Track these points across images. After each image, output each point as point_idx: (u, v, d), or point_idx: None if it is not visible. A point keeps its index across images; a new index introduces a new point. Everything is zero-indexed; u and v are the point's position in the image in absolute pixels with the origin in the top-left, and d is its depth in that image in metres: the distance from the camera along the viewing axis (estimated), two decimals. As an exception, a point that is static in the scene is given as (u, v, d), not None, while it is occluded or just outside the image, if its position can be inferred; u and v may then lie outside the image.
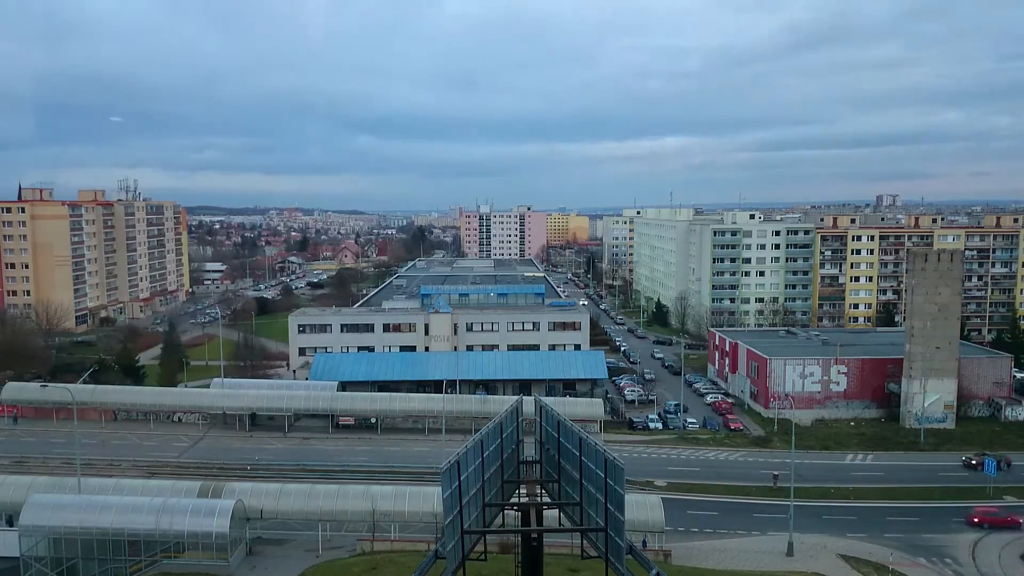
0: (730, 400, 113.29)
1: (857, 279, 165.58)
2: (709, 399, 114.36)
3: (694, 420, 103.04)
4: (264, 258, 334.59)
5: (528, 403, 52.38)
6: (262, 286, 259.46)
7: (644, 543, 59.95)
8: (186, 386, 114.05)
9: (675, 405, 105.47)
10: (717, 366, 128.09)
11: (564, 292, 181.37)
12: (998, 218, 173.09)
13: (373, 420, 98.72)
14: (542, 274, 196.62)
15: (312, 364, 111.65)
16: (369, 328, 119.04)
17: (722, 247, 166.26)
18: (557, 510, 41.64)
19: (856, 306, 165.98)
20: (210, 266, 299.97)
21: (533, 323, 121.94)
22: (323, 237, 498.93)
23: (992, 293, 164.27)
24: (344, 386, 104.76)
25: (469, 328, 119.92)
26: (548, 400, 58.18)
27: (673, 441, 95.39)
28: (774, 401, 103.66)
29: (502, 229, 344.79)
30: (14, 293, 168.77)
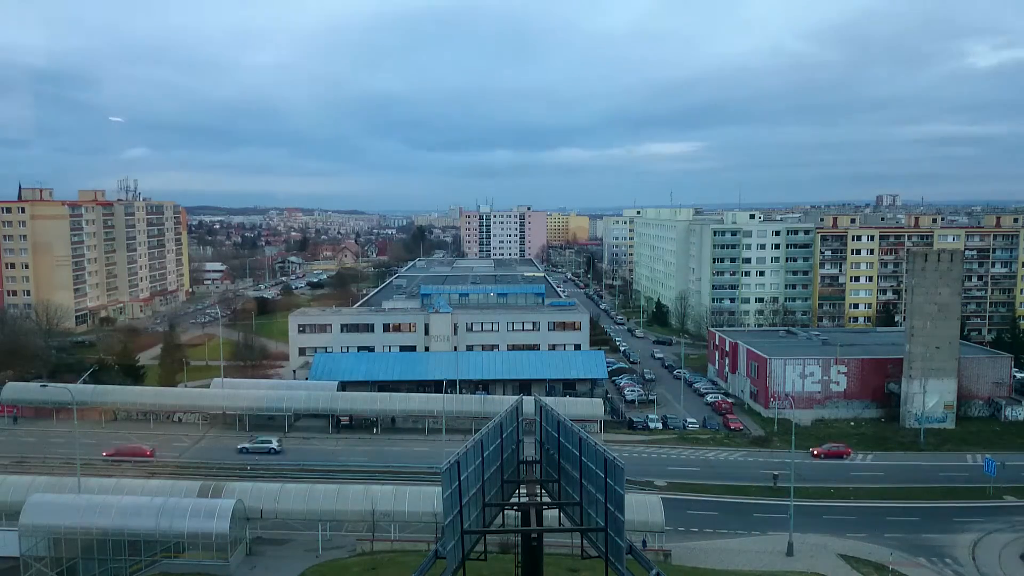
0: (730, 400, 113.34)
1: (857, 279, 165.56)
2: (709, 399, 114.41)
3: (694, 420, 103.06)
4: (264, 258, 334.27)
5: (528, 403, 52.39)
6: (262, 286, 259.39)
7: (644, 543, 59.95)
8: (186, 386, 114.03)
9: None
10: (717, 366, 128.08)
11: (564, 292, 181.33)
12: (998, 218, 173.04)
13: (373, 420, 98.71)
14: (542, 274, 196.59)
15: (312, 364, 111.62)
16: (369, 328, 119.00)
17: (722, 247, 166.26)
18: (557, 510, 41.63)
19: (856, 306, 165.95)
20: (210, 266, 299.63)
21: (533, 323, 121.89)
22: (323, 237, 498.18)
23: (992, 293, 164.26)
24: (344, 386, 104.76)
25: (469, 328, 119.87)
26: (548, 400, 58.17)
27: (673, 441, 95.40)
28: (774, 401, 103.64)
29: (502, 229, 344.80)
30: (14, 293, 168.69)
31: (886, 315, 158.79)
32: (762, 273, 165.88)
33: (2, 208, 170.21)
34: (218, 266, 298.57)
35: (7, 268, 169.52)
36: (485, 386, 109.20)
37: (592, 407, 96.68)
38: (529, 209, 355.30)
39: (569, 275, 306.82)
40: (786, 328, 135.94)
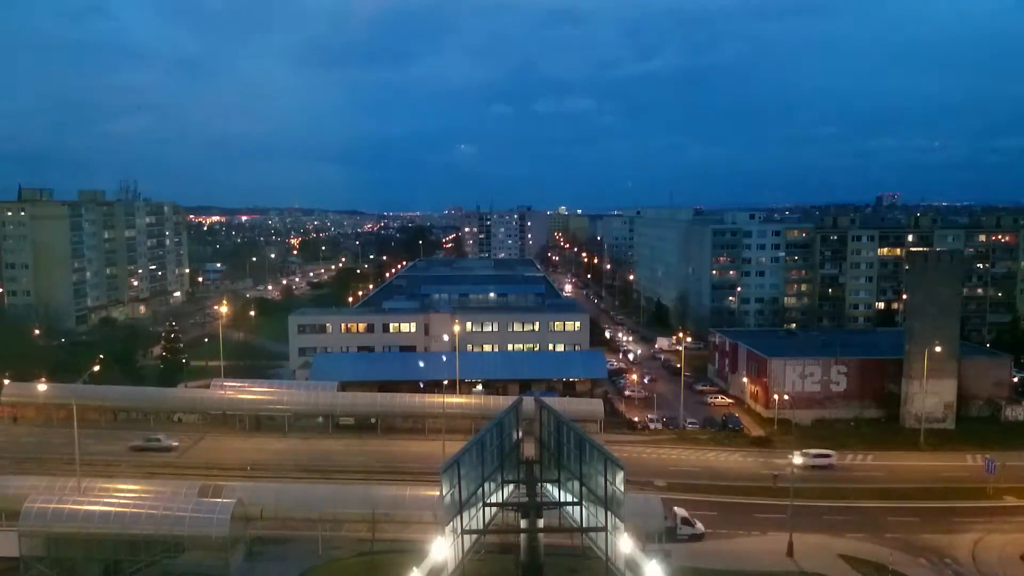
0: (730, 400, 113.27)
1: (857, 279, 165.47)
2: (709, 399, 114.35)
3: (694, 420, 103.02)
4: (264, 258, 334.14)
5: (528, 403, 52.47)
6: (262, 286, 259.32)
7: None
8: (186, 386, 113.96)
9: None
10: (717, 366, 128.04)
11: (563, 292, 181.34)
12: (998, 218, 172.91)
13: (373, 420, 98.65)
14: (542, 274, 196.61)
15: (312, 364, 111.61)
16: (369, 328, 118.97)
17: (722, 247, 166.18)
18: (557, 510, 41.67)
19: (856, 306, 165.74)
20: (210, 266, 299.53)
21: (533, 323, 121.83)
22: (323, 237, 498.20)
23: (992, 293, 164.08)
24: (344, 386, 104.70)
25: (469, 328, 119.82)
26: (548, 400, 58.19)
27: (673, 441, 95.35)
28: (774, 401, 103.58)
29: (502, 229, 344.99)
30: (14, 293, 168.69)
31: (886, 315, 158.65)
32: (762, 273, 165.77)
33: (2, 208, 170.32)
34: (218, 266, 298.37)
35: (7, 268, 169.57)
36: (485, 386, 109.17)
37: (592, 407, 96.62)
38: (529, 209, 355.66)
39: (569, 275, 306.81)
40: (786, 328, 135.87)
